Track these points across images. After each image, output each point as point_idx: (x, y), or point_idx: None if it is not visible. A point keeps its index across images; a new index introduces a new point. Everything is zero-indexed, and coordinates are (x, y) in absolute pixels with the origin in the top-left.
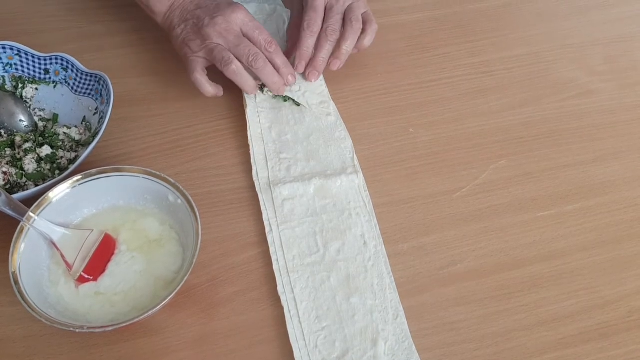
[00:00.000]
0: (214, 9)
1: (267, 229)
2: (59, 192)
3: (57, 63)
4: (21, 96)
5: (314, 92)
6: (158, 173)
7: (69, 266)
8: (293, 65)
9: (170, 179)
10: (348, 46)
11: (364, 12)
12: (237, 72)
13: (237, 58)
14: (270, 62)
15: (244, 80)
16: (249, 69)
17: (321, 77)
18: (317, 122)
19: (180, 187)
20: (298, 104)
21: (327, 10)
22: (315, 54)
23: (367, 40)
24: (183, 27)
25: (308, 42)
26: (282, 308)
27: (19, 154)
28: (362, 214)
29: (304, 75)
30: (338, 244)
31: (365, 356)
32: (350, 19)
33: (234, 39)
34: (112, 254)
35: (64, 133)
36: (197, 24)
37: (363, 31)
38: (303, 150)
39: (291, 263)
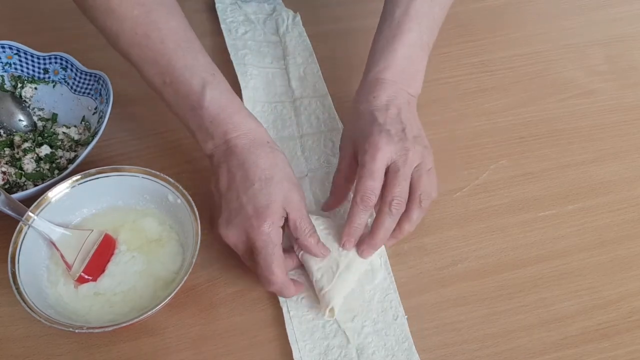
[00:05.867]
0: (251, 214)
1: None
2: (58, 191)
3: (56, 62)
4: (20, 96)
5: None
6: (157, 173)
7: (69, 266)
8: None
9: (170, 179)
10: (411, 227)
11: (429, 169)
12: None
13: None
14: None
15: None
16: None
17: None
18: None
19: (180, 187)
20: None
21: (391, 173)
22: (375, 231)
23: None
24: (217, 196)
25: (361, 218)
26: (281, 308)
27: (18, 153)
28: None
29: (355, 249)
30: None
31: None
32: (419, 194)
33: (243, 252)
34: (112, 254)
35: (63, 133)
36: (225, 211)
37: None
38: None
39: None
